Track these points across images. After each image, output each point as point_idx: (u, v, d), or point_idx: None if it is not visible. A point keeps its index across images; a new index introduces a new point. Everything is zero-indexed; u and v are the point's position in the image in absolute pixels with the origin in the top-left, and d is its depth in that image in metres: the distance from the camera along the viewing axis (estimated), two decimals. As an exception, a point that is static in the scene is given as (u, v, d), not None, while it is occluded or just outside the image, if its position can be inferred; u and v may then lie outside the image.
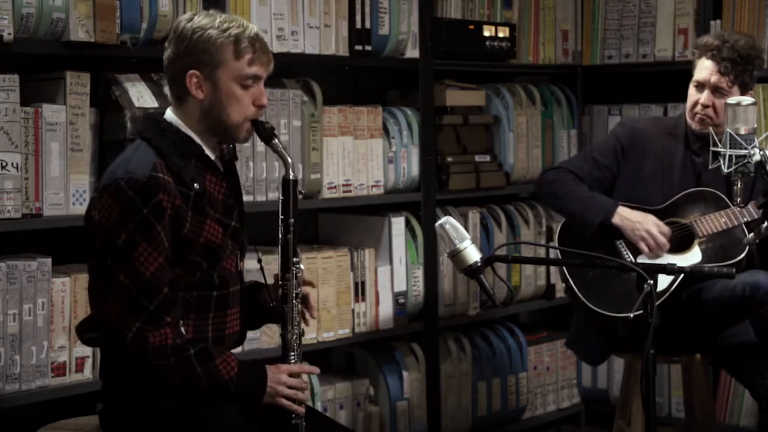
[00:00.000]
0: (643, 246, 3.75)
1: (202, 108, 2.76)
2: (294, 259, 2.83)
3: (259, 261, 2.96)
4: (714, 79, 3.78)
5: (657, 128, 3.96)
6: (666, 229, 3.76)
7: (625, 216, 3.78)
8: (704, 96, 3.79)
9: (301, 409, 2.80)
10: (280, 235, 2.83)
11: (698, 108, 3.81)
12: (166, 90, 3.53)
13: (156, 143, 2.73)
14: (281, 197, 2.84)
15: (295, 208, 2.84)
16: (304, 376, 2.88)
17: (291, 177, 2.83)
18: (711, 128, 3.67)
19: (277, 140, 2.83)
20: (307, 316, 2.92)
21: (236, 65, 2.74)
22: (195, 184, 2.72)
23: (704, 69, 3.80)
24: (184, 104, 2.78)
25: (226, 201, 2.82)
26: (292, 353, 2.84)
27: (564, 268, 3.87)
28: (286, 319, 2.84)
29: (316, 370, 2.95)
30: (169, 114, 2.80)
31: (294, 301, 2.84)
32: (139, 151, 2.73)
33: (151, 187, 2.64)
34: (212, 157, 2.82)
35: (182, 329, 2.72)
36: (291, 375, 2.80)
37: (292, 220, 2.82)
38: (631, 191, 3.86)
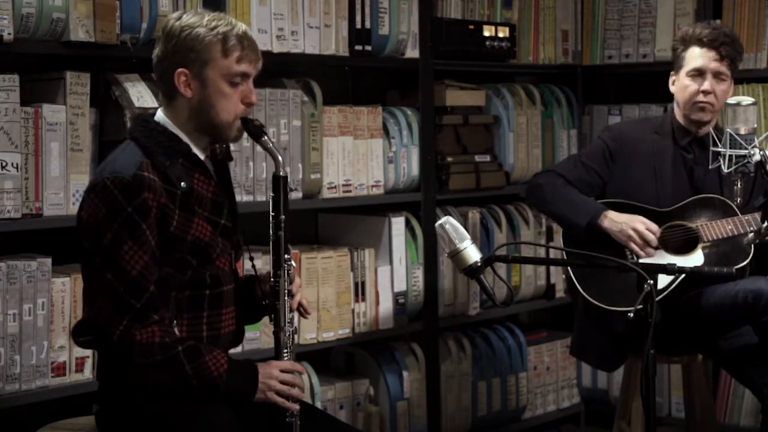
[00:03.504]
0: (632, 245, 3.74)
1: (191, 107, 2.76)
2: (285, 256, 2.83)
3: (251, 259, 2.96)
4: (713, 65, 3.79)
5: (644, 129, 3.96)
6: (654, 227, 3.76)
7: (613, 218, 3.78)
8: (708, 83, 3.78)
9: (295, 406, 2.78)
10: (271, 232, 2.83)
11: (700, 96, 3.80)
12: (165, 90, 3.55)
13: (143, 142, 2.73)
14: (272, 194, 2.84)
15: (286, 204, 2.83)
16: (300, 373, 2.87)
17: (281, 174, 2.83)
18: (711, 129, 3.69)
19: (266, 137, 2.83)
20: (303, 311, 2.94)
21: (224, 63, 2.74)
22: (182, 183, 2.72)
23: (699, 57, 3.80)
24: (173, 103, 2.78)
25: (215, 199, 2.81)
26: (285, 350, 2.83)
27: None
28: (278, 316, 2.83)
29: (301, 369, 2.94)
30: (159, 114, 2.81)
31: (285, 298, 2.83)
32: (126, 151, 2.74)
33: (136, 185, 2.64)
34: (201, 156, 2.81)
35: (175, 329, 2.71)
36: (283, 371, 2.79)
37: (283, 216, 2.82)
38: (624, 194, 3.86)
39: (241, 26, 2.78)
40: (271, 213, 2.83)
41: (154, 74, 2.83)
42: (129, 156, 2.71)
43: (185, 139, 2.78)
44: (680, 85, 3.86)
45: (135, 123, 2.84)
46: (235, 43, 2.74)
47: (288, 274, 2.84)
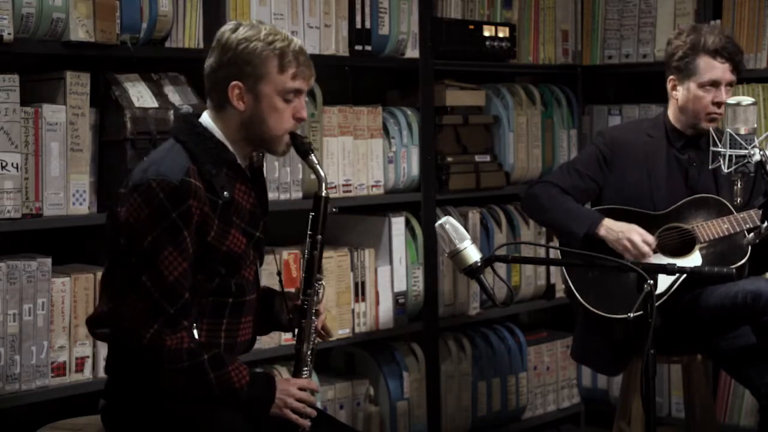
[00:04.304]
0: (627, 256, 3.73)
1: (242, 119, 2.75)
2: (317, 275, 2.84)
3: (279, 274, 2.96)
4: (728, 76, 3.78)
5: (636, 132, 3.94)
6: (650, 238, 3.74)
7: (610, 227, 3.76)
8: (723, 94, 3.76)
9: (307, 423, 2.80)
10: (306, 251, 2.84)
11: (717, 108, 3.77)
12: (166, 90, 3.56)
13: (190, 147, 2.72)
14: (312, 212, 2.84)
15: (324, 224, 2.84)
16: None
17: (323, 194, 2.83)
18: (711, 128, 3.69)
19: (313, 155, 2.82)
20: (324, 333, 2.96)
21: (280, 79, 2.73)
22: (225, 193, 2.72)
23: (714, 69, 3.77)
24: (222, 113, 2.77)
25: (253, 211, 2.81)
26: (305, 368, 2.85)
27: (563, 270, 3.87)
28: (303, 334, 2.84)
29: (318, 387, 2.96)
30: (206, 118, 2.79)
31: (312, 317, 2.85)
32: (172, 153, 2.72)
33: (183, 192, 2.63)
34: (243, 165, 2.81)
35: (194, 333, 2.72)
36: (300, 389, 2.80)
37: (320, 236, 2.83)
38: (619, 198, 3.85)
39: (297, 42, 2.77)
40: (309, 232, 2.84)
41: (205, 82, 2.80)
42: (176, 159, 2.69)
43: (231, 148, 2.77)
44: (691, 95, 3.80)
45: (180, 124, 2.83)
46: (292, 59, 2.73)
47: (317, 293, 2.85)
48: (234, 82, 2.72)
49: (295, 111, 2.77)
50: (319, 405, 3.97)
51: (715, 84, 3.78)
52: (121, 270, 2.69)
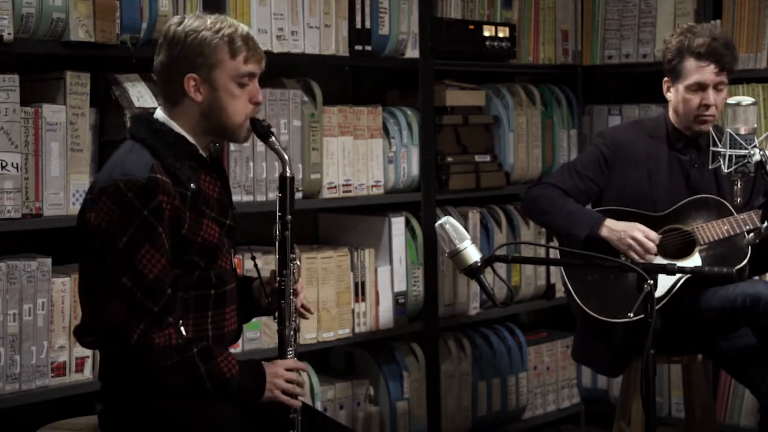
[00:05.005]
0: (631, 254, 3.73)
1: (201, 110, 2.76)
2: (291, 255, 2.84)
3: (253, 258, 2.97)
4: (714, 78, 3.75)
5: (637, 133, 3.93)
6: (653, 234, 3.74)
7: (612, 227, 3.76)
8: (712, 96, 3.74)
9: (298, 403, 2.81)
10: (277, 232, 2.84)
11: (705, 110, 3.76)
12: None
13: (150, 144, 2.73)
14: (278, 194, 2.85)
15: (292, 205, 2.85)
16: (301, 372, 2.89)
17: (288, 174, 2.84)
18: (711, 127, 3.68)
19: (273, 138, 2.84)
20: (304, 311, 2.96)
21: (233, 64, 2.75)
22: (191, 184, 2.73)
23: (699, 71, 3.74)
24: (179, 107, 2.78)
25: (220, 200, 2.83)
26: (290, 348, 2.85)
27: (563, 274, 3.86)
28: (283, 315, 2.84)
29: (304, 366, 2.97)
30: (161, 114, 2.80)
31: (291, 297, 2.85)
32: (133, 152, 2.72)
33: (151, 188, 2.64)
34: (205, 156, 2.82)
35: (182, 329, 2.72)
36: (288, 369, 2.81)
37: (290, 216, 2.84)
38: (620, 200, 3.85)
39: (244, 27, 2.80)
40: (278, 213, 2.85)
41: (156, 79, 2.82)
42: (138, 158, 2.70)
43: (191, 140, 2.78)
44: (680, 97, 3.80)
45: (137, 124, 2.83)
46: (241, 44, 2.75)
47: (293, 273, 2.85)
48: (189, 74, 2.74)
49: (251, 95, 2.80)
50: (319, 405, 3.98)
51: (701, 86, 3.76)
52: (98, 275, 2.69)
